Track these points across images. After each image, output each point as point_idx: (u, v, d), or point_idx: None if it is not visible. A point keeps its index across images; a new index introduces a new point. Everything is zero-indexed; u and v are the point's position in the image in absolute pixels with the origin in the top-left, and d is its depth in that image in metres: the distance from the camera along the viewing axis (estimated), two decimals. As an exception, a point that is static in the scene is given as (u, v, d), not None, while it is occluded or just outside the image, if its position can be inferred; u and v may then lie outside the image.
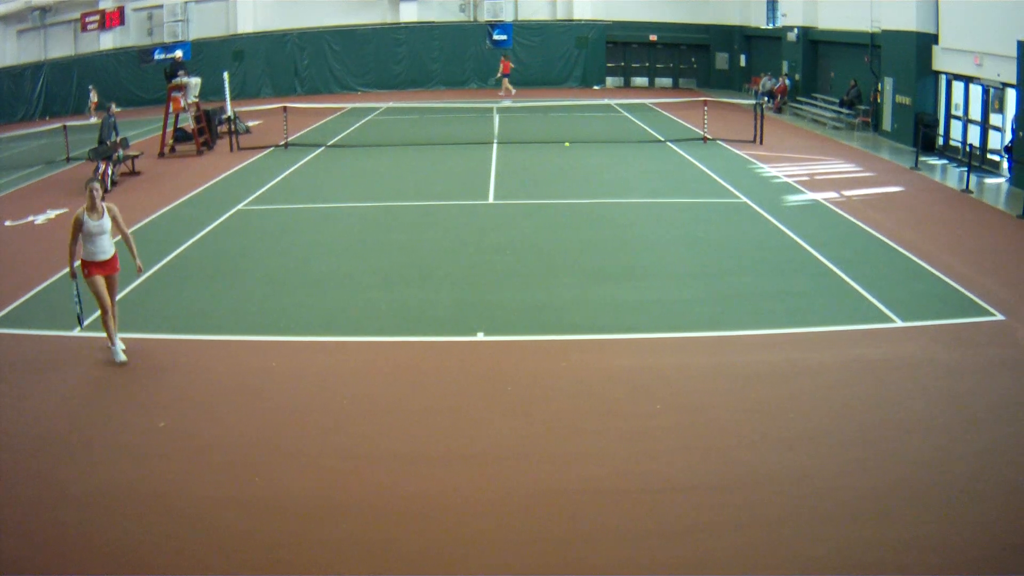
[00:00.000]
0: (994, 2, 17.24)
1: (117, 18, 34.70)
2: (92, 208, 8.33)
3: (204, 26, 35.63)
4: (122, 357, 8.40)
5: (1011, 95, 16.89)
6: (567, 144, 17.36)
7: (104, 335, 8.53)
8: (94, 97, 30.60)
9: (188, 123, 22.19)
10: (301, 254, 12.30)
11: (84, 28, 34.56)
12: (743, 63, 35.58)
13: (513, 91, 33.72)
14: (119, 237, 8.63)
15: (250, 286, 10.85)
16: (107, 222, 8.42)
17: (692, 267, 11.40)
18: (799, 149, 20.81)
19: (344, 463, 6.56)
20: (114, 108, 18.72)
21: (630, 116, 26.91)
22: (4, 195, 17.26)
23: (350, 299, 10.40)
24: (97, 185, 8.44)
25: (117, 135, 18.20)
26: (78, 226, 8.29)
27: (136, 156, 19.06)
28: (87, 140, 20.90)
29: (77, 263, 8.43)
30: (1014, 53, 16.06)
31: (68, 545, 5.49)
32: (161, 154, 21.08)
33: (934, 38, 20.00)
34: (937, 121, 20.26)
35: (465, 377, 8.12)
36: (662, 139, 21.98)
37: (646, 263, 11.60)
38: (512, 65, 34.38)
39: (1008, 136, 17.09)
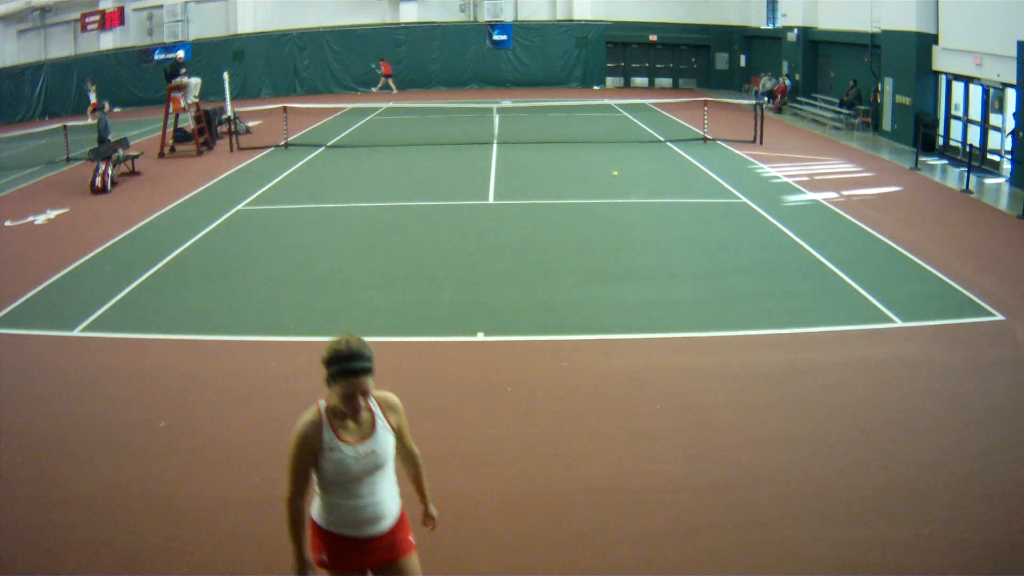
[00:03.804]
0: (994, 2, 17.24)
1: (117, 18, 34.66)
2: (350, 413, 3.56)
3: (204, 26, 35.60)
4: None
5: (1011, 95, 16.90)
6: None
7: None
8: (93, 97, 30.51)
9: (188, 123, 22.19)
10: (301, 254, 12.30)
11: (84, 28, 34.52)
12: (743, 63, 35.58)
13: (394, 90, 34.90)
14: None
15: (250, 286, 10.85)
16: (387, 444, 3.67)
17: (692, 267, 11.40)
18: (799, 149, 20.81)
19: (344, 463, 6.54)
20: (107, 107, 18.70)
21: (630, 116, 26.91)
22: (4, 195, 17.24)
23: (350, 299, 10.40)
24: (363, 359, 3.47)
25: (109, 133, 18.22)
26: (311, 456, 3.64)
27: (136, 156, 19.06)
28: (87, 140, 20.87)
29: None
30: (1014, 53, 16.07)
31: (68, 545, 5.48)
32: (161, 154, 21.07)
33: (934, 38, 20.01)
34: (937, 121, 20.26)
35: (465, 377, 8.12)
36: (662, 139, 21.98)
37: (646, 263, 11.60)
38: (391, 67, 35.47)
39: (1008, 136, 17.08)
